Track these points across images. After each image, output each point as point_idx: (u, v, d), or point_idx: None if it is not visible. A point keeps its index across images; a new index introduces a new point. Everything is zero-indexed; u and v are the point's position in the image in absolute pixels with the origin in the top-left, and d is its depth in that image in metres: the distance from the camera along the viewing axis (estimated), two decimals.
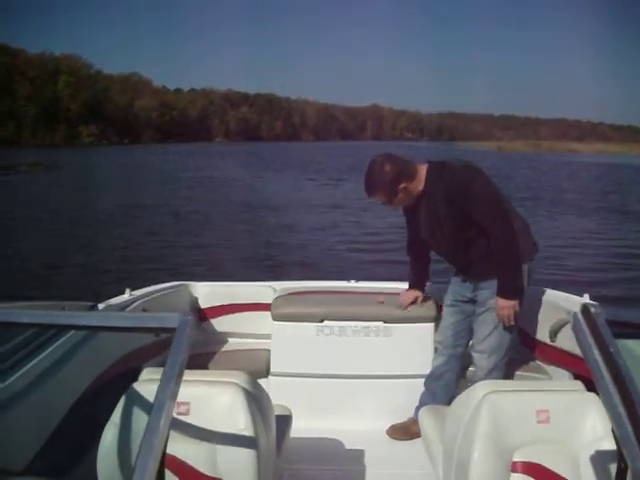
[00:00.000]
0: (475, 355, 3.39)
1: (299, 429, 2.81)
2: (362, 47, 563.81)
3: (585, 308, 1.37)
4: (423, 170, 3.27)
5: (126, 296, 3.59)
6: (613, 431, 1.27)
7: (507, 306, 3.19)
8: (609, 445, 1.81)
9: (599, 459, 1.89)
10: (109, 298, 3.51)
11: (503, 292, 3.20)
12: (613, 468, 1.68)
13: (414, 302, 3.73)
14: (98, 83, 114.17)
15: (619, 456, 1.40)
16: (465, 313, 3.46)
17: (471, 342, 3.47)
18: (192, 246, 13.54)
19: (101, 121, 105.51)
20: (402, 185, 3.22)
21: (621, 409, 1.22)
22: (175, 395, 1.30)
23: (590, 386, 2.07)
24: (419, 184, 3.27)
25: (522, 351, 3.89)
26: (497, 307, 3.23)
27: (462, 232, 3.23)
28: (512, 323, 3.23)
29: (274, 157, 62.98)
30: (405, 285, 4.22)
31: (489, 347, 3.30)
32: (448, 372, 3.51)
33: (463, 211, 3.15)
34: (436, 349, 3.61)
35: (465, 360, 3.56)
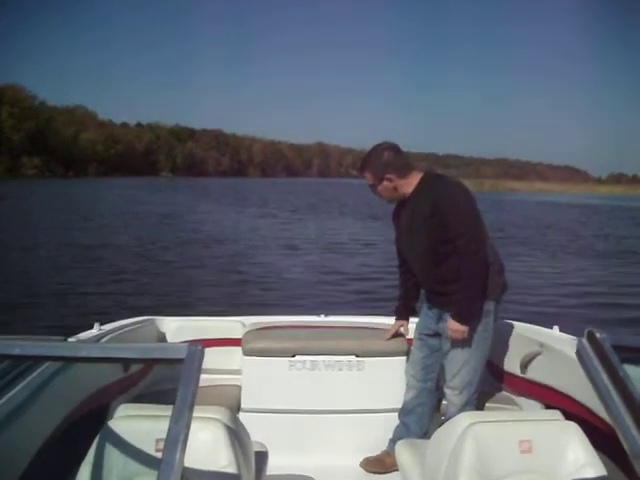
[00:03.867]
0: (447, 391, 3.38)
1: (273, 466, 2.73)
2: (309, 86, 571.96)
3: (591, 334, 1.36)
4: (417, 176, 3.35)
5: (95, 331, 3.50)
6: (623, 451, 1.25)
7: (458, 330, 3.20)
8: (592, 473, 1.91)
9: None
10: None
11: (458, 315, 3.21)
12: None
13: (397, 334, 3.72)
14: (42, 114, 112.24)
15: (632, 478, 1.34)
16: (432, 348, 3.46)
17: (445, 377, 3.45)
18: (156, 283, 13.22)
19: (45, 153, 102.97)
20: (389, 175, 3.30)
21: (635, 432, 1.22)
22: (188, 427, 1.27)
23: (566, 415, 2.25)
24: (408, 186, 3.34)
25: (491, 383, 3.88)
26: (448, 328, 3.24)
27: (437, 247, 3.23)
28: (466, 351, 3.25)
29: (223, 193, 62.90)
30: (375, 319, 4.27)
31: (460, 384, 3.30)
32: (419, 406, 3.51)
33: (442, 224, 3.17)
34: (407, 383, 3.58)
35: (439, 394, 3.56)
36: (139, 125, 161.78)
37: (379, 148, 3.38)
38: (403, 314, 3.72)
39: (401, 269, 3.68)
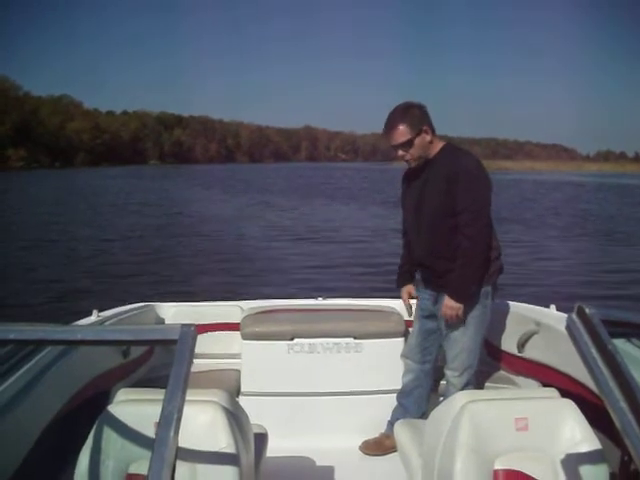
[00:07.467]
0: (448, 373, 3.40)
1: (272, 448, 2.77)
2: (295, 69, 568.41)
3: (580, 309, 1.39)
4: (440, 143, 3.29)
5: (93, 317, 3.55)
6: (616, 426, 1.27)
7: (454, 307, 3.20)
8: (587, 449, 1.95)
9: (578, 463, 1.94)
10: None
11: (454, 293, 3.21)
12: (592, 471, 1.89)
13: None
14: (27, 105, 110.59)
15: (622, 450, 1.41)
16: (430, 330, 3.47)
17: (445, 359, 3.48)
18: (155, 273, 13.20)
19: (31, 144, 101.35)
20: (426, 127, 3.20)
21: (623, 404, 1.24)
22: (181, 408, 1.29)
23: (562, 393, 2.26)
24: (434, 147, 3.26)
25: (489, 363, 3.92)
26: (443, 306, 3.25)
27: (444, 219, 3.20)
28: (456, 324, 3.27)
29: (214, 180, 62.22)
30: (372, 301, 4.35)
31: (461, 366, 3.33)
32: (418, 388, 3.53)
33: (454, 195, 3.13)
34: (405, 365, 3.61)
35: (436, 374, 3.60)
36: (125, 113, 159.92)
37: (408, 103, 3.28)
38: (407, 279, 3.68)
39: (405, 238, 3.64)
